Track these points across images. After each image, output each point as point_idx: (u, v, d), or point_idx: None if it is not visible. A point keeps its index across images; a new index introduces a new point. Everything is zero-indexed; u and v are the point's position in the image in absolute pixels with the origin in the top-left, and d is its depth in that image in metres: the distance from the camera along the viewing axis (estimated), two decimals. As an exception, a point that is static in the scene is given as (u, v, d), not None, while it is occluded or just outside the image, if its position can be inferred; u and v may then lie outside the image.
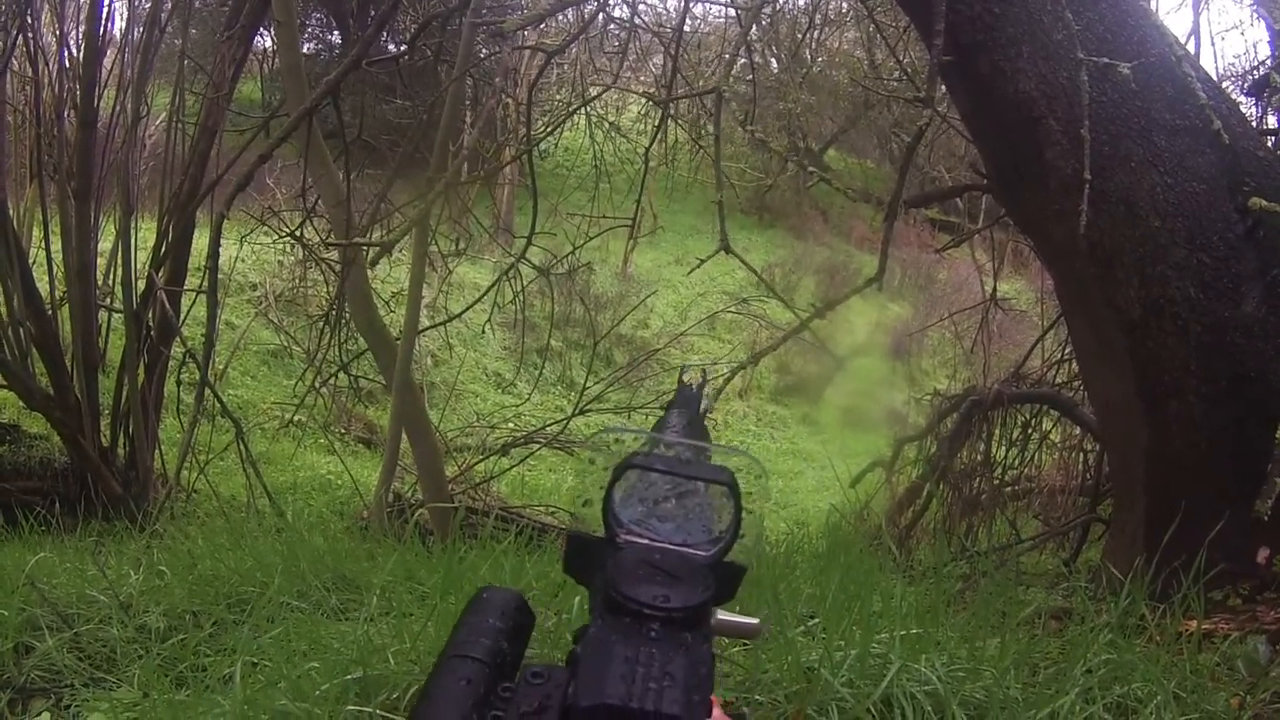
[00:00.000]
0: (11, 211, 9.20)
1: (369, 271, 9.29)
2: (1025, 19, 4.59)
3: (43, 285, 9.13)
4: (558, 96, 17.93)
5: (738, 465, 1.08)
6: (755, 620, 1.09)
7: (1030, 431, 8.24)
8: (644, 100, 14.24)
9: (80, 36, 9.23)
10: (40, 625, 4.24)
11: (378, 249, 7.79)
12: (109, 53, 9.80)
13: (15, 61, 9.44)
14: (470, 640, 0.93)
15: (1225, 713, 3.25)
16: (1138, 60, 4.46)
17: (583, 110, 11.80)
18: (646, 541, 1.03)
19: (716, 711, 0.97)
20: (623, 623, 0.91)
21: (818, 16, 19.27)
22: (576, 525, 1.07)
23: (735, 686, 3.27)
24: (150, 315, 8.98)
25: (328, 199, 8.53)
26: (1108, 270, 4.63)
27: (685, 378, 1.52)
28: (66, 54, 9.55)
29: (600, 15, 9.89)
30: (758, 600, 3.98)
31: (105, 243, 9.90)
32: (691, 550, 1.02)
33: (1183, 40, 5.11)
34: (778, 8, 16.96)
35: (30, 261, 9.12)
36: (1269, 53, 9.36)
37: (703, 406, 1.51)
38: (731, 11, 10.08)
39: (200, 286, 8.63)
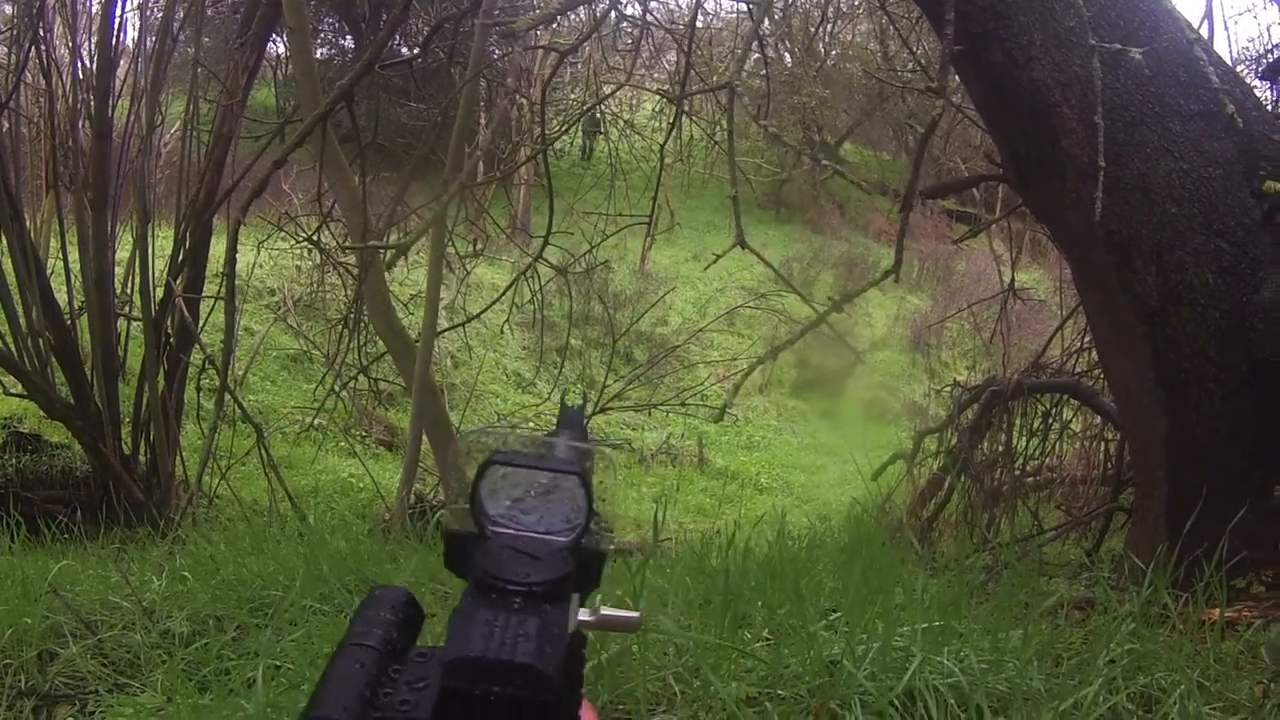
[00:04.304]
0: (29, 223, 9.24)
1: (386, 274, 9.30)
2: (1037, 6, 4.57)
3: (61, 295, 9.15)
4: (572, 96, 17.95)
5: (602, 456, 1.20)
6: (636, 614, 1.22)
7: (1051, 421, 8.21)
8: (658, 98, 14.25)
9: (93, 47, 9.25)
10: (64, 632, 4.25)
11: (394, 251, 7.80)
12: (122, 63, 9.82)
13: (29, 74, 9.46)
14: (364, 631, 1.05)
15: (1249, 701, 3.24)
16: (1150, 45, 4.44)
17: (597, 109, 11.80)
18: (512, 531, 1.11)
19: (590, 716, 1.05)
20: (489, 598, 1.01)
21: (830, 9, 19.25)
22: (455, 523, 1.16)
23: (758, 681, 3.27)
24: (169, 322, 9.00)
25: (344, 203, 8.55)
26: (1125, 257, 4.61)
27: (567, 399, 1.59)
28: (80, 65, 9.58)
29: (612, 13, 9.88)
30: (779, 595, 3.98)
31: (123, 251, 9.94)
32: (551, 536, 1.11)
33: (1196, 25, 5.08)
34: (790, 2, 16.94)
35: (48, 272, 9.15)
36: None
37: (589, 424, 1.60)
38: (744, 6, 10.06)
39: (218, 293, 8.66)
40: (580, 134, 25.99)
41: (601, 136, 16.84)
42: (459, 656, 0.93)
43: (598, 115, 16.31)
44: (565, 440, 1.32)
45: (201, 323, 9.34)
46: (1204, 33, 5.39)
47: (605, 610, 1.17)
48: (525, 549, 1.08)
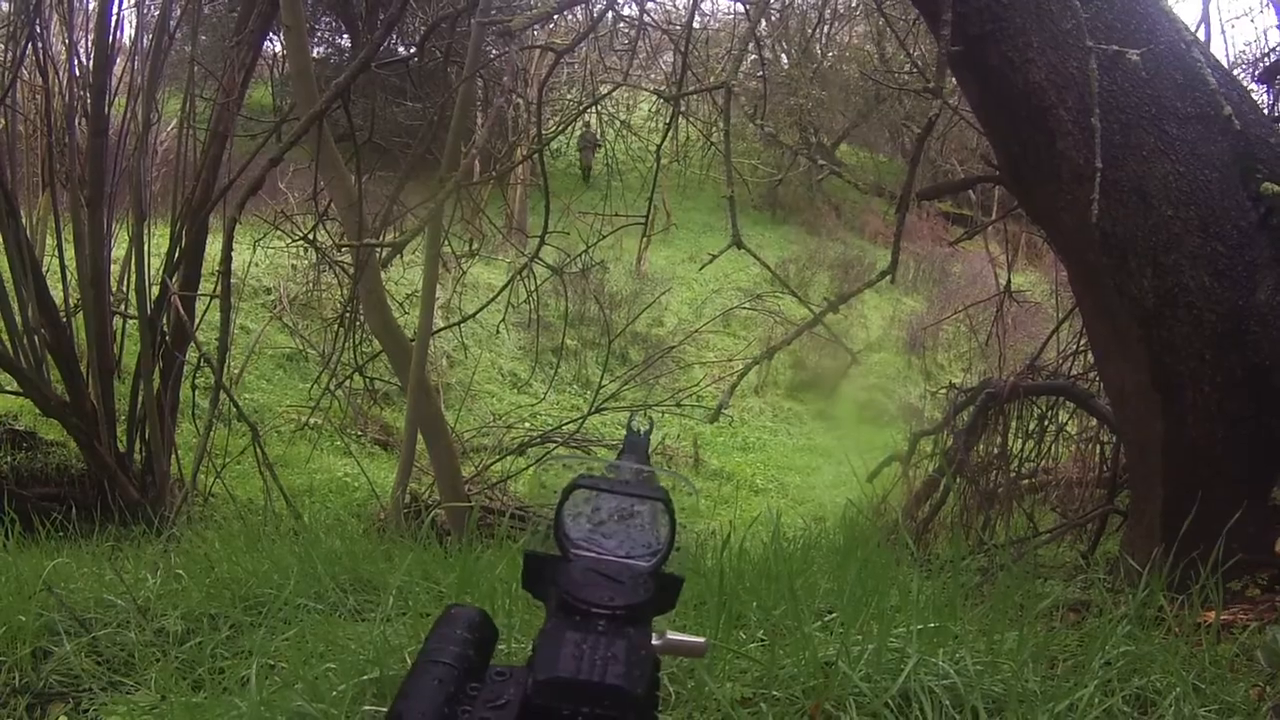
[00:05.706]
0: (24, 220, 9.22)
1: (382, 273, 9.29)
2: (1034, 8, 4.57)
3: (56, 293, 9.15)
4: (568, 96, 17.95)
5: (673, 487, 1.21)
6: (702, 640, 1.21)
7: (1046, 424, 8.21)
8: (655, 98, 14.26)
9: (90, 44, 9.24)
10: (58, 630, 4.23)
11: (389, 250, 7.80)
12: (119, 60, 9.81)
13: (26, 70, 9.45)
14: (440, 648, 1.06)
15: (1245, 704, 3.23)
16: (1147, 48, 4.44)
17: (594, 109, 11.79)
18: (594, 555, 1.16)
19: None
20: (574, 620, 1.04)
21: (827, 11, 19.25)
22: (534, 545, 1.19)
23: (753, 682, 3.27)
24: (165, 320, 9.00)
25: (340, 201, 8.54)
26: (1121, 260, 4.61)
27: (634, 424, 1.60)
28: (76, 62, 9.56)
29: (609, 13, 9.88)
30: (774, 596, 3.97)
31: (119, 249, 9.93)
32: (633, 561, 1.16)
33: (1193, 27, 5.08)
34: (787, 3, 16.95)
35: (44, 269, 9.14)
36: (1280, 39, 9.30)
37: (650, 449, 1.61)
38: (741, 7, 10.06)
39: (214, 291, 8.65)
40: (575, 147, 26.02)
41: (599, 141, 16.83)
42: (550, 676, 0.96)
43: (595, 129, 16.30)
44: (641, 466, 1.36)
45: (197, 321, 9.33)
46: (1201, 36, 5.40)
47: (671, 635, 1.18)
48: (608, 573, 1.11)
